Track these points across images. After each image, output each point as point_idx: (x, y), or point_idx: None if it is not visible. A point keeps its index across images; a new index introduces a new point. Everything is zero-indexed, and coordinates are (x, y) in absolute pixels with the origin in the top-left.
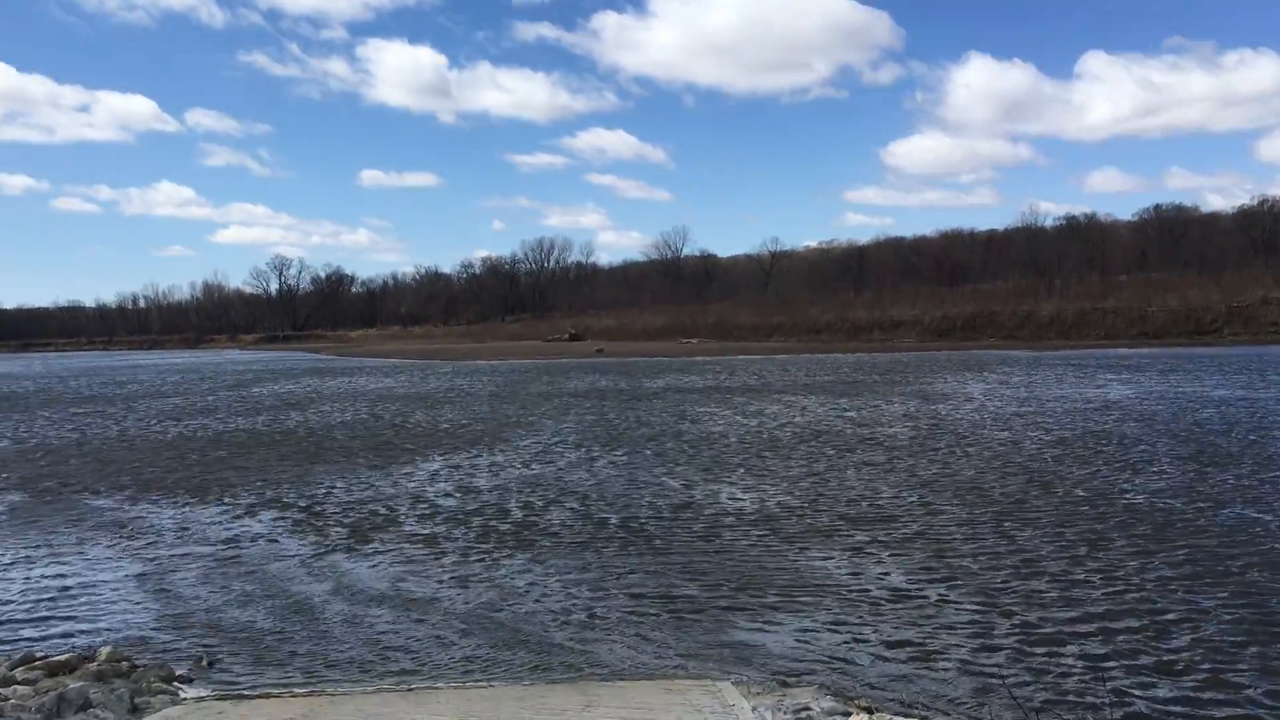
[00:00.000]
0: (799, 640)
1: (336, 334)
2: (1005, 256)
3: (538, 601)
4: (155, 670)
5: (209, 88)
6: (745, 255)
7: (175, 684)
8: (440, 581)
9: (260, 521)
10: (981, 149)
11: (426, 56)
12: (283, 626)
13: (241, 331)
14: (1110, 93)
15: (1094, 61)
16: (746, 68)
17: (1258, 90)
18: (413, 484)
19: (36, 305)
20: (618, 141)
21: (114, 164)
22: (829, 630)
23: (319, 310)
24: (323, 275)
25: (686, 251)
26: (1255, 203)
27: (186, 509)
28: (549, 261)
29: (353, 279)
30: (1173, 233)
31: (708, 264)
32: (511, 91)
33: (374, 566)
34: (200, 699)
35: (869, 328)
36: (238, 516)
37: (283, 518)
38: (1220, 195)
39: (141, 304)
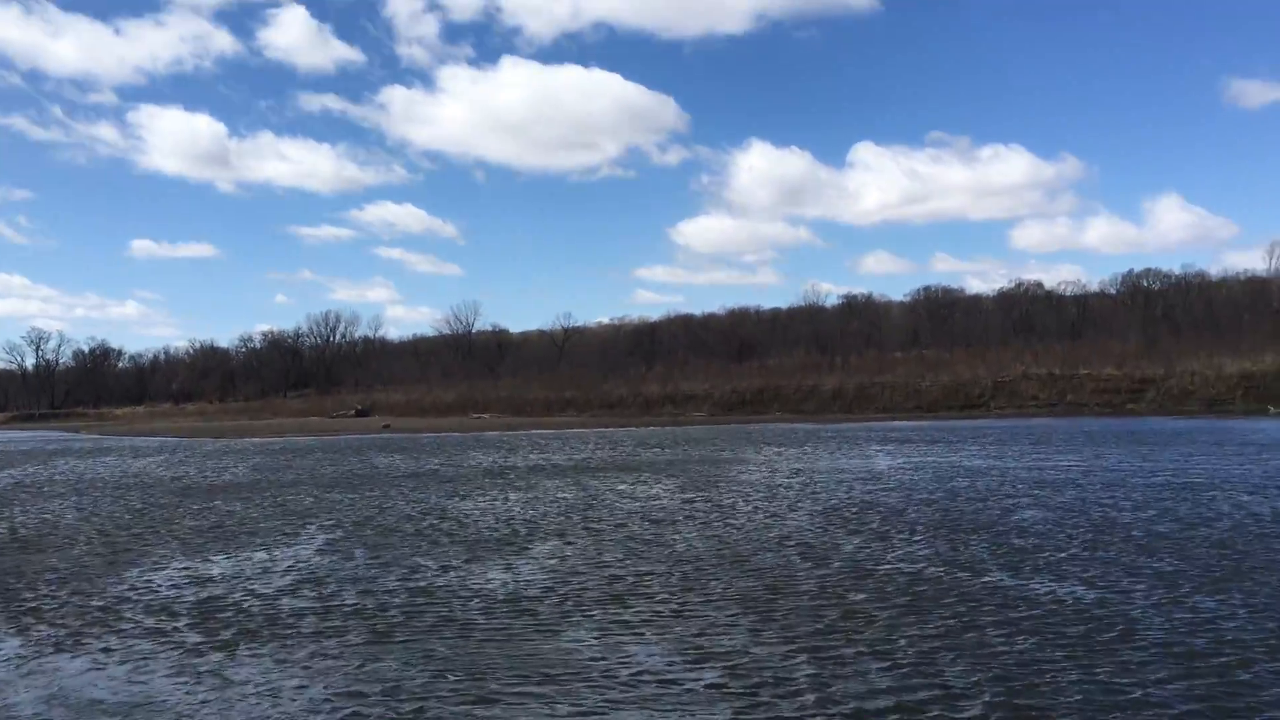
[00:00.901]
0: None
1: (99, 411)
2: (790, 334)
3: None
4: None
5: None
6: (538, 331)
7: None
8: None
9: None
10: (764, 230)
11: (204, 124)
12: None
13: None
14: (880, 180)
15: (864, 151)
16: (536, 146)
17: (1010, 182)
18: (145, 583)
19: None
20: (407, 215)
21: None
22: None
23: (80, 386)
24: (86, 350)
25: (478, 326)
26: (1013, 285)
27: None
28: (335, 335)
29: (120, 353)
30: (940, 313)
31: (500, 339)
32: (296, 162)
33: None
34: None
35: (661, 402)
36: None
37: None
38: (980, 279)
39: None
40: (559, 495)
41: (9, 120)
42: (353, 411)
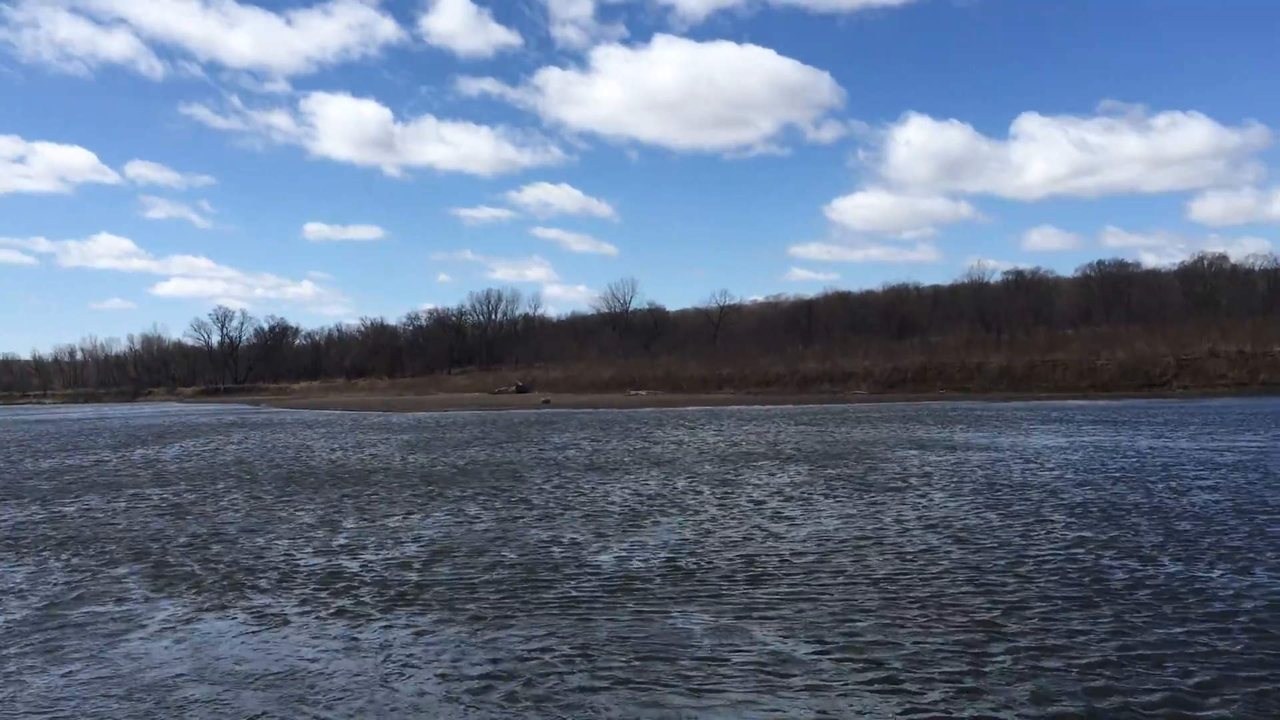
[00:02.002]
0: None
1: (278, 386)
2: (952, 311)
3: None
4: None
5: (149, 140)
6: (693, 308)
7: None
8: (325, 650)
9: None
10: (923, 206)
11: (371, 110)
12: None
13: (181, 384)
14: (1046, 152)
15: (1028, 122)
16: (690, 124)
17: (1188, 152)
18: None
19: None
20: (563, 196)
21: (51, 216)
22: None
23: (261, 362)
24: (266, 328)
25: (635, 304)
26: (1194, 259)
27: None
28: (496, 314)
29: (296, 331)
30: (1116, 288)
31: (656, 317)
32: (456, 145)
33: (244, 634)
34: None
35: (819, 379)
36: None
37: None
38: (1154, 254)
39: (79, 356)
40: (705, 470)
41: (191, 110)
42: (514, 388)
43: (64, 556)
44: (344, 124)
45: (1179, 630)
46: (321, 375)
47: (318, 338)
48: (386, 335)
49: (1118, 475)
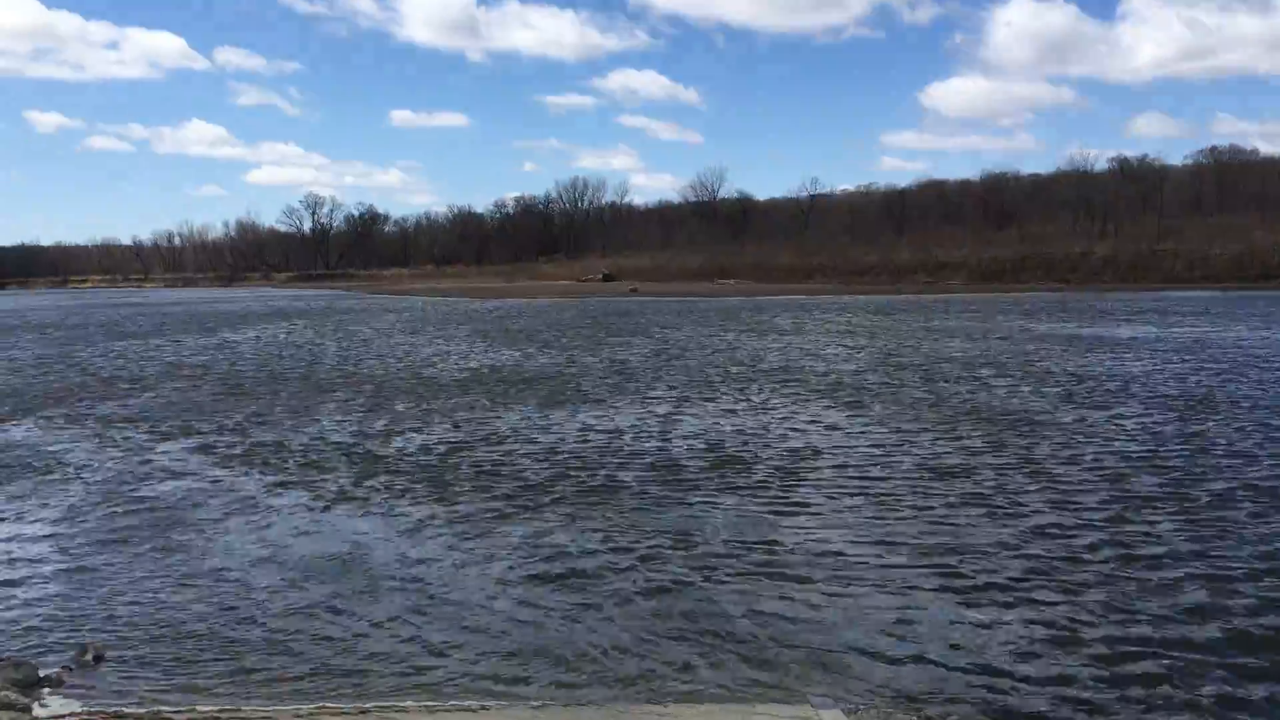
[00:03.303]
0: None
1: (369, 273)
2: (1054, 200)
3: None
4: (7, 670)
5: (236, 25)
6: (782, 197)
7: (34, 691)
8: (424, 542)
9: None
10: (1021, 92)
11: None
12: (206, 611)
13: (275, 270)
14: (1155, 34)
15: (1137, 2)
16: (779, 6)
17: None
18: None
19: (74, 243)
20: (649, 82)
21: (145, 102)
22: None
23: (352, 249)
24: (356, 215)
25: (722, 193)
26: None
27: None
28: (583, 202)
29: (386, 218)
30: (1230, 176)
31: (744, 205)
32: (540, 30)
33: (342, 522)
34: (58, 718)
35: (914, 269)
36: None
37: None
38: (1268, 142)
39: (177, 242)
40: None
41: None
42: (600, 276)
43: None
44: (427, 8)
45: None
46: (411, 262)
47: (406, 225)
48: (474, 223)
49: None
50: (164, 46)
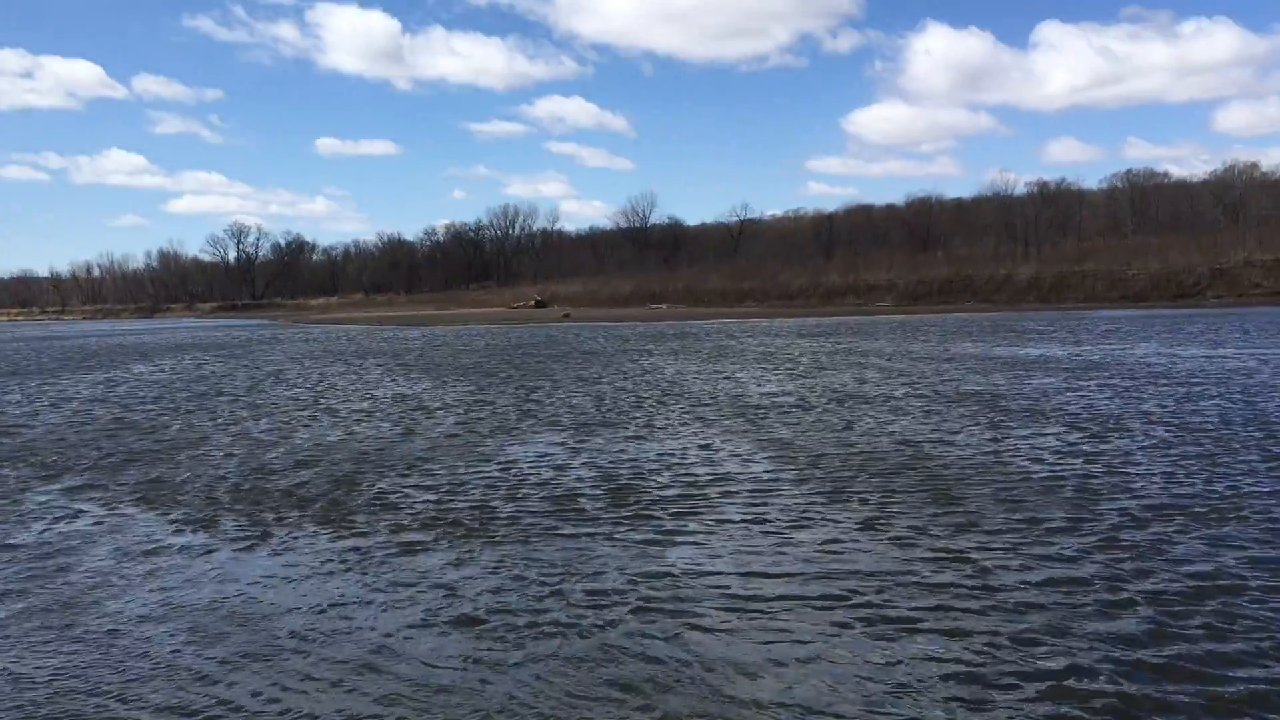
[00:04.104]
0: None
1: (296, 302)
2: (977, 223)
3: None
4: None
5: (156, 53)
6: (713, 223)
7: None
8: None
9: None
10: (942, 118)
11: (378, 21)
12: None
13: (199, 300)
14: (1068, 62)
15: (1050, 30)
16: (704, 35)
17: (1215, 60)
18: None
19: None
20: (577, 109)
21: (62, 131)
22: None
23: (278, 279)
24: (282, 244)
25: (653, 219)
26: (1226, 168)
27: None
28: (514, 228)
29: (313, 247)
30: (1145, 198)
31: (675, 231)
32: (467, 57)
33: (238, 567)
34: None
35: (843, 292)
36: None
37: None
38: (1178, 166)
39: (96, 273)
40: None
41: (196, 23)
42: (532, 302)
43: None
44: (352, 35)
45: None
46: (340, 291)
47: (334, 254)
48: (404, 251)
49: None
50: (81, 75)
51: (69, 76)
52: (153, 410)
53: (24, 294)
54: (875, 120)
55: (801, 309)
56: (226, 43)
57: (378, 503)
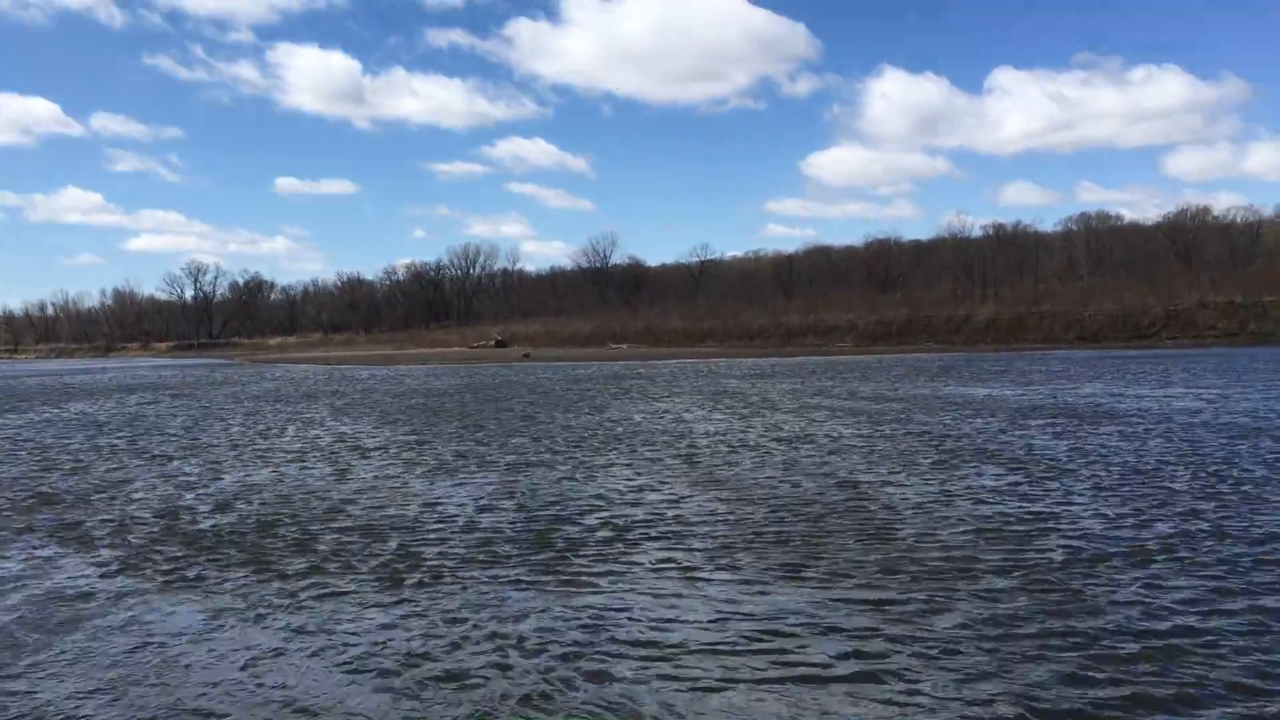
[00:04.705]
0: None
1: (254, 341)
2: (935, 265)
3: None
4: None
5: (113, 91)
6: (673, 263)
7: None
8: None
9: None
10: (899, 161)
11: (339, 62)
12: None
13: (155, 339)
14: (1021, 107)
15: (1003, 76)
16: (664, 77)
17: (1165, 106)
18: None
19: None
20: (537, 151)
21: (16, 169)
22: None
23: (236, 317)
24: (240, 282)
25: (614, 259)
26: (1178, 211)
27: None
28: (474, 268)
29: (272, 286)
30: (1099, 240)
31: (636, 271)
32: (427, 99)
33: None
34: None
35: (803, 332)
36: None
37: None
38: (1130, 209)
39: (50, 311)
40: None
41: (155, 60)
42: (492, 342)
43: None
44: (312, 75)
45: None
46: (298, 330)
47: (293, 293)
48: (364, 290)
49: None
50: (36, 112)
51: (24, 113)
52: (81, 450)
53: None
54: (833, 163)
55: (761, 349)
56: (186, 81)
57: (298, 546)
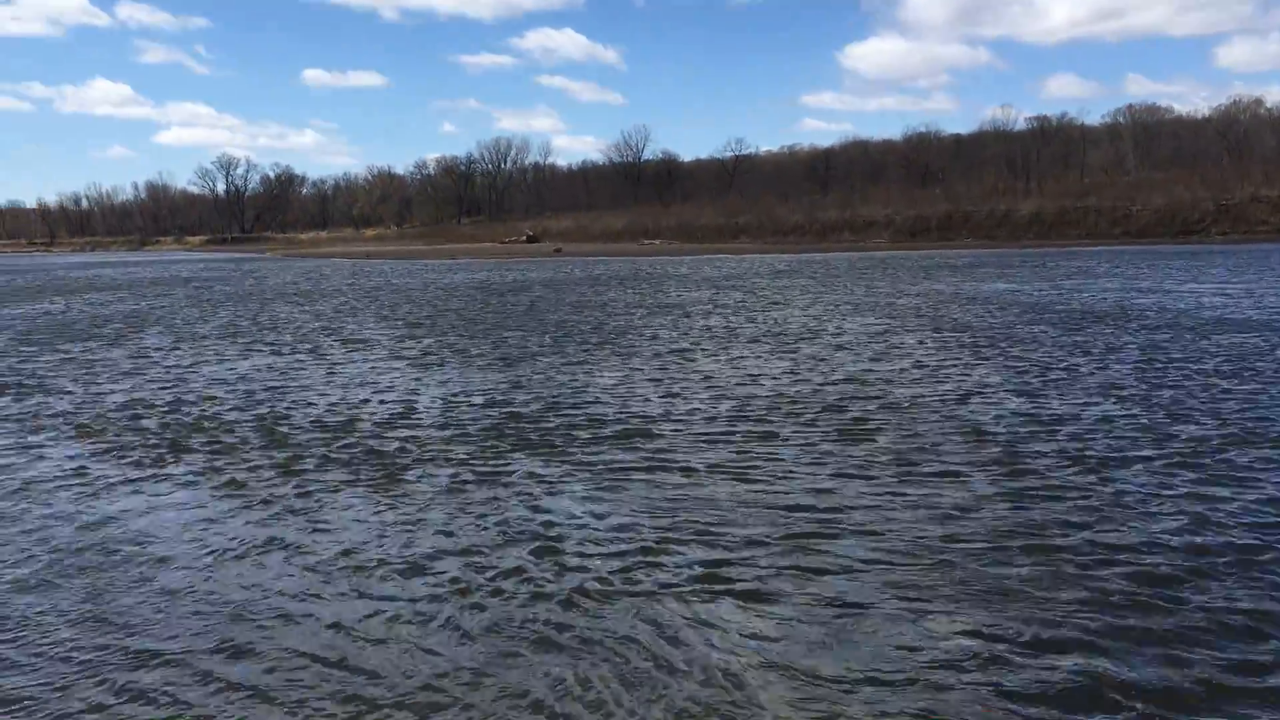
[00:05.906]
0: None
1: (286, 236)
2: (975, 159)
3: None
4: None
5: None
6: (707, 158)
7: None
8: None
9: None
10: (938, 53)
11: None
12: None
13: (188, 233)
14: None
15: None
16: None
17: None
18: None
19: None
20: (567, 42)
21: (45, 60)
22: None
23: (268, 211)
24: (271, 176)
25: (647, 154)
26: (1230, 103)
27: None
28: (505, 163)
29: (303, 180)
30: (1148, 133)
31: (669, 166)
32: None
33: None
34: None
35: (839, 228)
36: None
37: None
38: (1177, 102)
39: (84, 205)
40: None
41: None
42: (524, 237)
43: None
44: None
45: None
46: (329, 225)
47: (324, 187)
48: (394, 184)
49: None
50: (63, 2)
51: (51, 4)
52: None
53: (12, 225)
54: (871, 54)
55: (796, 245)
56: None
57: (271, 437)
